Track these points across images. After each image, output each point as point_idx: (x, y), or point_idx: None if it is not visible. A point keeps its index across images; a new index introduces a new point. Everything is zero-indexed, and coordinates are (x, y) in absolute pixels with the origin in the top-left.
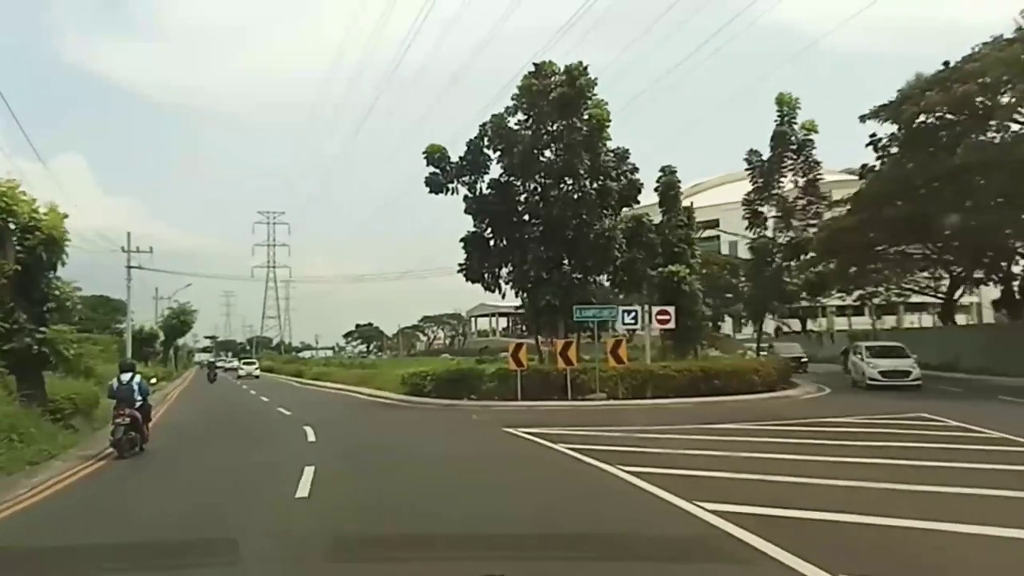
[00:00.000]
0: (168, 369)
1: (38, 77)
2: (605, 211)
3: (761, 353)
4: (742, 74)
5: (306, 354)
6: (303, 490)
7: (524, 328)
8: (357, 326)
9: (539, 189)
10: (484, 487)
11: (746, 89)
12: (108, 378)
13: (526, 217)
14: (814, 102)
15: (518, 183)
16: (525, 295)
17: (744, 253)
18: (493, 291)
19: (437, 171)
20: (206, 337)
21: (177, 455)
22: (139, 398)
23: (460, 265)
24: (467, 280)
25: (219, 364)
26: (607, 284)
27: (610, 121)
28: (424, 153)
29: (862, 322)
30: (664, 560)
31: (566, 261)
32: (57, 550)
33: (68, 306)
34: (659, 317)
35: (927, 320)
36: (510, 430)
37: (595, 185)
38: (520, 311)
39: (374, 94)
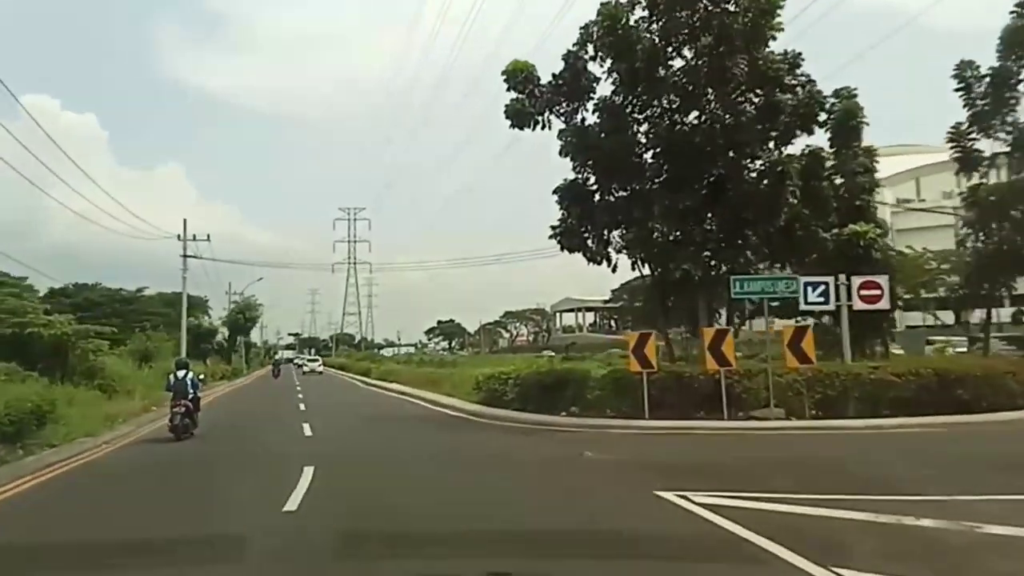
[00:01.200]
0: (234, 367)
1: (141, 91)
2: (769, 141)
3: (956, 349)
4: (833, 57)
5: (388, 351)
6: None
7: (613, 322)
8: (439, 323)
9: (670, 110)
10: None
11: (839, 71)
12: (121, 380)
13: (649, 154)
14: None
15: (637, 104)
16: (648, 265)
17: None
18: (599, 261)
19: (522, 96)
20: (290, 334)
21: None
22: (191, 391)
23: (553, 228)
24: (562, 248)
25: (296, 361)
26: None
27: (782, 4)
28: (504, 73)
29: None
30: None
31: (709, 215)
32: None
33: None
34: (864, 292)
35: None
36: (669, 496)
37: (755, 100)
38: (610, 304)
39: (443, 94)
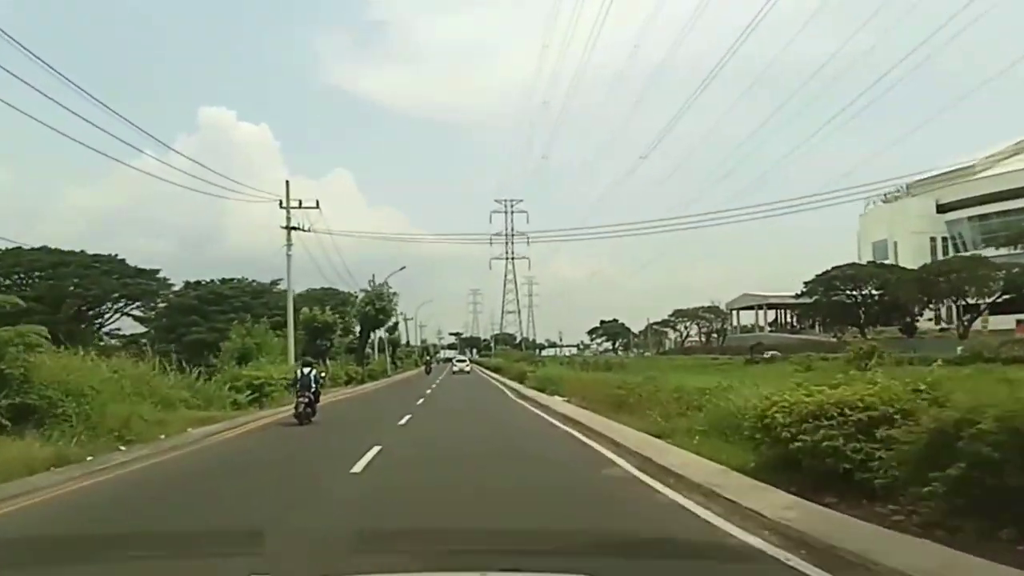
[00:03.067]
0: (371, 368)
1: (311, 102)
2: None
3: None
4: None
5: (549, 351)
6: None
7: (796, 320)
8: (602, 323)
9: None
10: None
11: None
12: (79, 396)
13: None
14: None
15: None
16: None
17: None
18: None
19: None
20: (451, 334)
21: None
22: (314, 386)
23: None
24: None
25: (456, 361)
26: None
27: None
28: None
29: None
30: None
31: None
32: None
33: None
34: None
35: None
36: None
37: None
38: (801, 299)
39: (592, 94)
